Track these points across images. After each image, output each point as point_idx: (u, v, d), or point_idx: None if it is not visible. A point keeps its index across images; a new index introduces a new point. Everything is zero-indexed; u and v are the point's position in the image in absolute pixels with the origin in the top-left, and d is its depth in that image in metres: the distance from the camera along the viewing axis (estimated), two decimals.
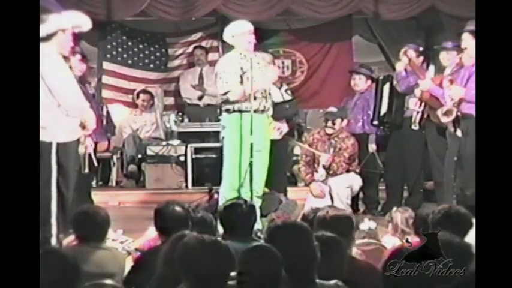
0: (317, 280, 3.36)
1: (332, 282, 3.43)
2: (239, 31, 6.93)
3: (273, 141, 7.26)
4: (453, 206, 4.40)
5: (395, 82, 8.09)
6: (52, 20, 5.65)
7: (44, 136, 5.48)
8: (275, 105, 7.38)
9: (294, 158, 9.93)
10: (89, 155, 6.61)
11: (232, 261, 3.15)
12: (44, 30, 5.34)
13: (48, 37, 5.60)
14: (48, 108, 5.59)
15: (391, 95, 8.19)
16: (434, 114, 7.20)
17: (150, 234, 5.32)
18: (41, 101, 5.29)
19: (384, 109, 8.22)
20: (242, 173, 6.77)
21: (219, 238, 4.15)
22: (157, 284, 3.64)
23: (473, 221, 4.11)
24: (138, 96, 10.59)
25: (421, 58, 8.04)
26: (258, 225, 6.26)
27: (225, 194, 6.75)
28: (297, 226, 3.55)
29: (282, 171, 8.31)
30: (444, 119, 6.90)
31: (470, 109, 6.56)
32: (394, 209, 5.49)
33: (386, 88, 8.26)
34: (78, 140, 5.94)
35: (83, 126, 5.90)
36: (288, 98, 8.18)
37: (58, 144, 5.70)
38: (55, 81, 5.64)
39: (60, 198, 5.70)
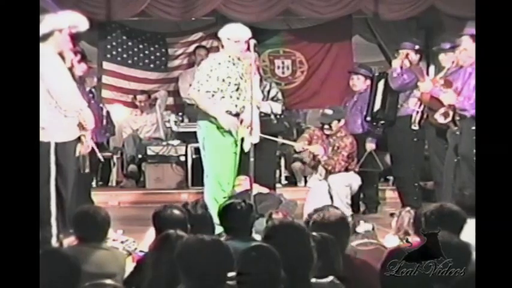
0: (313, 280, 3.37)
1: (328, 279, 3.44)
2: (237, 37, 6.83)
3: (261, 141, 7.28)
4: (445, 204, 4.38)
5: (389, 79, 8.08)
6: (48, 20, 5.66)
7: (42, 136, 5.49)
8: (261, 118, 7.40)
9: (295, 155, 9.97)
10: (93, 153, 6.63)
11: (231, 261, 3.15)
12: (40, 30, 5.34)
13: (45, 37, 5.60)
14: (47, 109, 5.60)
15: (385, 92, 8.17)
16: (433, 115, 7.21)
17: (151, 235, 5.32)
18: (39, 101, 5.29)
19: (377, 105, 8.21)
20: (231, 175, 6.80)
21: (222, 238, 4.17)
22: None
23: (466, 217, 4.10)
24: (135, 97, 10.62)
25: (418, 56, 8.04)
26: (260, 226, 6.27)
27: (215, 195, 6.72)
28: (294, 226, 3.55)
29: (271, 170, 8.46)
30: (441, 120, 6.91)
31: (464, 111, 6.60)
32: (407, 208, 5.47)
33: (380, 85, 8.25)
34: (76, 140, 5.95)
35: (81, 126, 5.92)
36: (277, 110, 8.20)
37: (57, 144, 5.71)
38: (53, 81, 5.65)
39: (59, 198, 5.71)
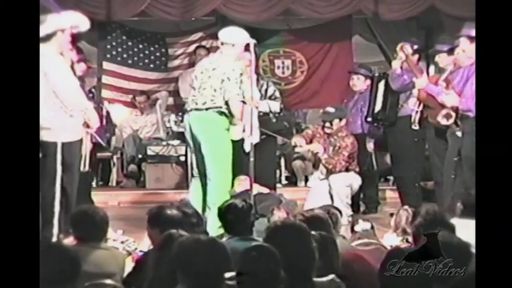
0: (314, 279, 3.37)
1: (329, 278, 3.44)
2: (242, 42, 6.79)
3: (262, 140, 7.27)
4: (430, 209, 4.36)
5: (389, 79, 8.08)
6: (51, 20, 5.68)
7: (48, 137, 5.53)
8: (260, 117, 7.38)
9: (295, 155, 9.97)
10: (90, 153, 6.64)
11: (228, 260, 3.15)
12: (43, 30, 5.35)
13: (48, 37, 5.62)
14: (52, 109, 5.63)
15: (385, 93, 8.18)
16: (432, 114, 7.22)
17: None
18: (45, 101, 5.32)
19: (378, 106, 8.22)
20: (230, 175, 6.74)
21: (224, 239, 4.17)
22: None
23: (454, 226, 4.08)
24: (135, 98, 10.62)
25: (416, 56, 8.04)
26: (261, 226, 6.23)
27: (220, 198, 6.62)
28: (296, 226, 3.56)
29: (271, 170, 8.48)
30: (444, 122, 6.92)
31: (468, 111, 6.60)
32: (405, 207, 5.48)
33: (381, 85, 8.25)
34: (81, 140, 5.98)
35: (86, 125, 5.95)
36: (276, 109, 8.20)
37: (63, 144, 5.73)
38: (58, 81, 5.68)
39: (65, 197, 5.75)
